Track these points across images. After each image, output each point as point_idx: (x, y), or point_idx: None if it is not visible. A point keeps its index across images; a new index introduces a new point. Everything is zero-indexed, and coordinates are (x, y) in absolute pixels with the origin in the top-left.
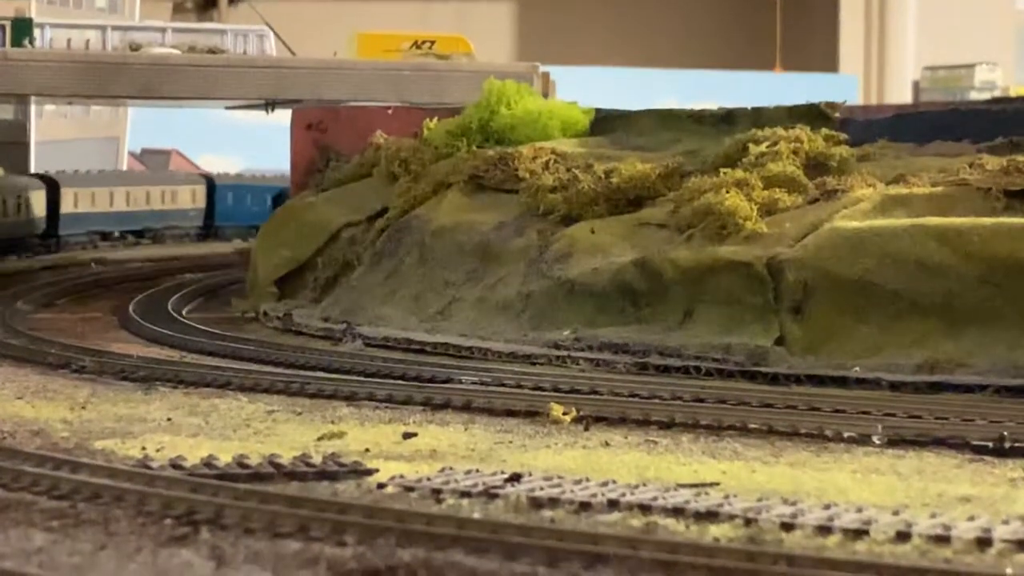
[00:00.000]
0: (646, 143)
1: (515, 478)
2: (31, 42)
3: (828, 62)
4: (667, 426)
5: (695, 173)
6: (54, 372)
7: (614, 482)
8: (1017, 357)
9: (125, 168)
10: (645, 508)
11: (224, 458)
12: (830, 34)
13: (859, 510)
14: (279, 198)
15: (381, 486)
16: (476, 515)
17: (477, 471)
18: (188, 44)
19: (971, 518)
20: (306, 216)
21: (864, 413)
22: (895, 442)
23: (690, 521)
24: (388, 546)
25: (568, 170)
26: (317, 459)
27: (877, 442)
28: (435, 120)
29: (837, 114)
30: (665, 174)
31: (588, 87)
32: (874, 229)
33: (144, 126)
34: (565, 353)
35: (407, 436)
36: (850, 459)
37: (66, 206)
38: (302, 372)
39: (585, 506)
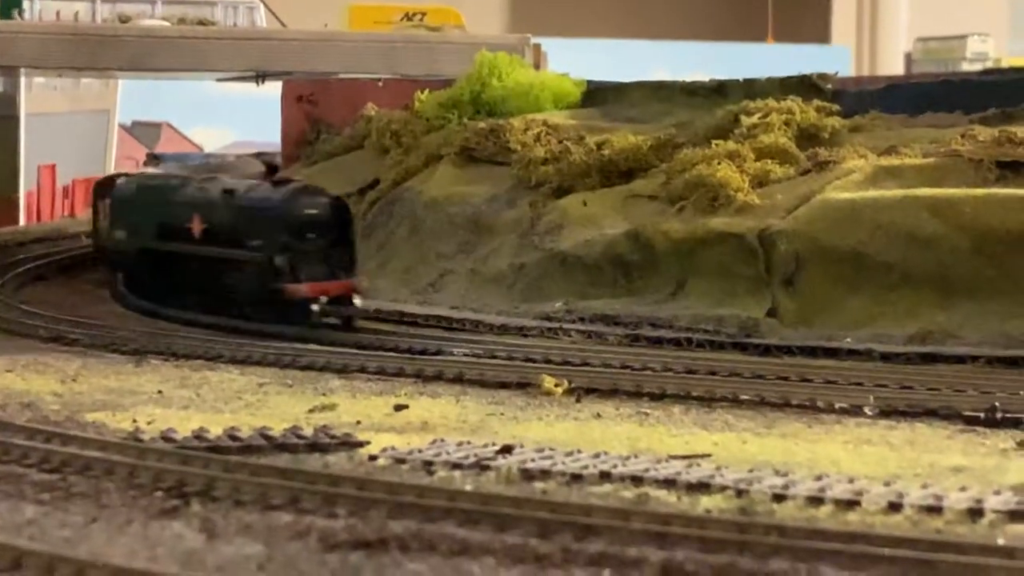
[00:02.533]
0: (638, 115)
1: (506, 450)
2: (20, 14)
3: (820, 33)
4: (659, 397)
5: (687, 145)
6: (45, 344)
7: (606, 454)
8: (1009, 328)
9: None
10: (637, 479)
11: (215, 430)
12: (822, 5)
13: (851, 481)
14: None
15: (372, 458)
16: (467, 487)
17: (468, 443)
18: (178, 16)
19: (963, 488)
20: None
21: (856, 384)
22: (887, 413)
23: (682, 492)
24: (379, 518)
25: (560, 142)
26: (308, 431)
27: (869, 413)
28: (426, 92)
29: (829, 85)
30: (657, 146)
31: (579, 59)
32: (866, 200)
33: (135, 98)
34: (557, 325)
35: (398, 408)
36: (842, 430)
37: None
38: (293, 344)
39: (577, 478)
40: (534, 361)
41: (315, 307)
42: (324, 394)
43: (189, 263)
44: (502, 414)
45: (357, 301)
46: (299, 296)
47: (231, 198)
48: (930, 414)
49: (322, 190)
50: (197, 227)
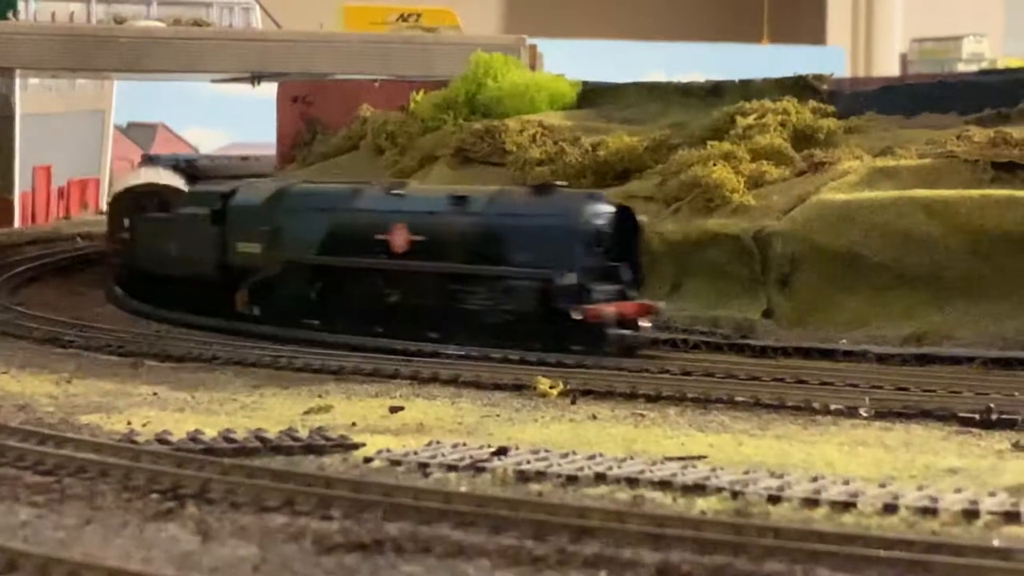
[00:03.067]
0: (633, 116)
1: (502, 452)
2: (15, 15)
3: (816, 34)
4: (654, 399)
5: (682, 146)
6: (40, 346)
7: (601, 455)
8: (1004, 329)
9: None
10: (632, 481)
11: (210, 432)
12: (818, 6)
13: (846, 482)
14: None
15: (368, 460)
16: (463, 489)
17: (464, 445)
18: (173, 17)
19: (958, 490)
20: None
21: (851, 385)
22: (882, 414)
23: (677, 494)
24: (375, 520)
25: (555, 143)
26: (303, 433)
27: (864, 414)
28: (422, 93)
29: (825, 86)
30: (652, 147)
31: (575, 60)
32: (861, 201)
33: (130, 99)
34: None
35: (394, 410)
36: (837, 431)
37: None
38: (288, 346)
39: (572, 479)
40: (529, 363)
41: (610, 332)
42: (319, 396)
43: (376, 279)
44: (497, 416)
45: (645, 324)
46: (602, 320)
47: (465, 206)
48: (925, 415)
49: (604, 196)
50: (400, 240)
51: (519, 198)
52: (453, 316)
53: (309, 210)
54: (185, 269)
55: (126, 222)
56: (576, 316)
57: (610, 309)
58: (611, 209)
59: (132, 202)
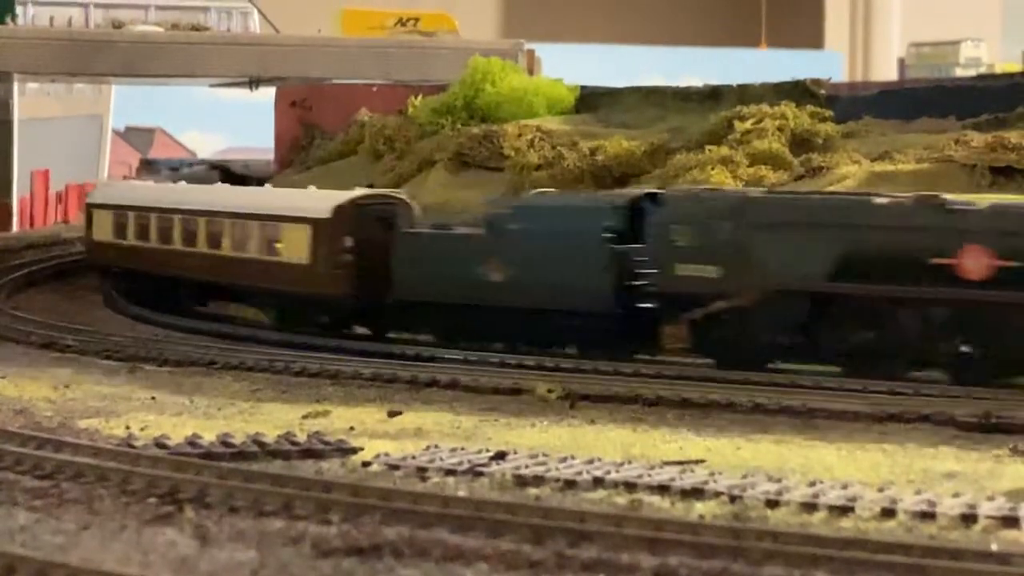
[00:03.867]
0: (631, 120)
1: (500, 456)
2: (13, 19)
3: (814, 39)
4: (653, 403)
5: (680, 150)
6: (38, 351)
7: (599, 459)
8: None
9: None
10: (630, 486)
11: (208, 437)
12: (815, 11)
13: (844, 487)
14: None
15: (366, 464)
16: (461, 493)
17: (462, 449)
18: (171, 21)
19: (956, 494)
20: None
21: (849, 389)
22: (881, 418)
23: (675, 498)
24: (373, 524)
25: (553, 147)
26: (302, 438)
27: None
28: (420, 97)
29: (822, 91)
30: (650, 151)
31: (573, 64)
32: None
33: (128, 104)
34: None
35: (392, 414)
36: (835, 436)
37: None
38: (287, 351)
39: (570, 484)
40: (527, 367)
41: None
42: (318, 400)
43: (929, 314)
44: (496, 420)
45: None
46: None
47: None
48: (924, 420)
49: None
50: (979, 265)
51: None
52: None
53: (801, 225)
54: (525, 297)
55: (348, 241)
56: None
57: None
58: None
59: (362, 217)
